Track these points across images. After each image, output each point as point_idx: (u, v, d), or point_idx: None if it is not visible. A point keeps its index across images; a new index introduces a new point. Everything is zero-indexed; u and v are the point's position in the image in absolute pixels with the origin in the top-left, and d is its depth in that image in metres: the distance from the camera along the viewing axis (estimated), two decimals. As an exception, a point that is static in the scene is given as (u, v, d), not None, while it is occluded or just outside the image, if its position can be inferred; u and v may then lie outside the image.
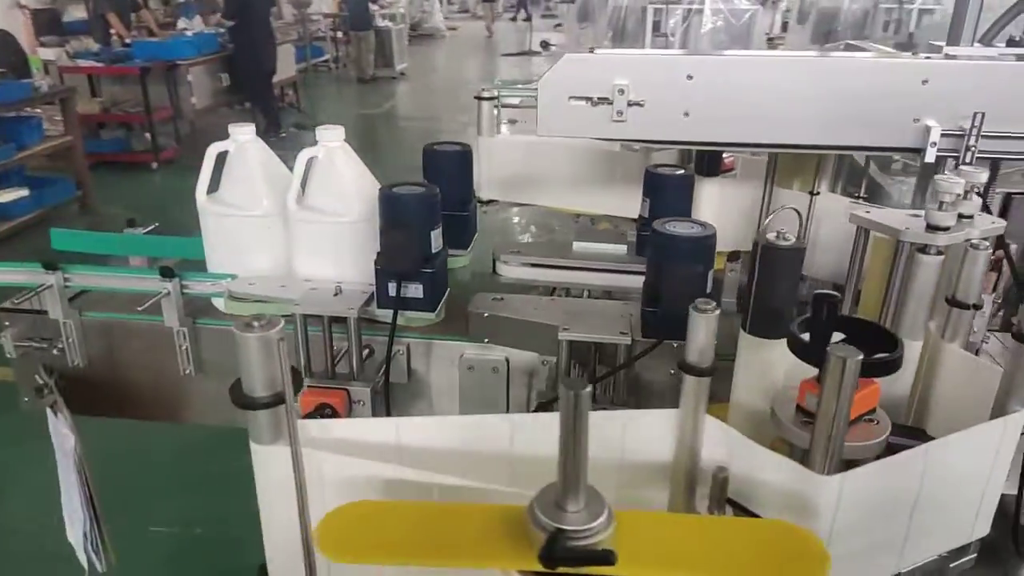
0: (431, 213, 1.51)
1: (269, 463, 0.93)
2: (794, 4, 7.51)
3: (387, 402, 1.57)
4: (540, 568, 0.69)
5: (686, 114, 1.53)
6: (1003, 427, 1.00)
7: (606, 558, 0.64)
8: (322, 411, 1.48)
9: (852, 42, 4.82)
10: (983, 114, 1.42)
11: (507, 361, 1.67)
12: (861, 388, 1.00)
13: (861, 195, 2.03)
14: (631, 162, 2.37)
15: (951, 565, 1.10)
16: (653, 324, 1.43)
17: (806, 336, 1.00)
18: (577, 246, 1.90)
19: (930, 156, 1.47)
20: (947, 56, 1.59)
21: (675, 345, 1.46)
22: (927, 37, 4.67)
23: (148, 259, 1.99)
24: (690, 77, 1.51)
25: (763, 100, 1.51)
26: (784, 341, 1.18)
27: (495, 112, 2.54)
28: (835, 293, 0.98)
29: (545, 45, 14.19)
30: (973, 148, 1.44)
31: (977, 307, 1.13)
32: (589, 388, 0.68)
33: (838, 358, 0.82)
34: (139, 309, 1.63)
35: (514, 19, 22.30)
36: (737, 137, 1.56)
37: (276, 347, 0.87)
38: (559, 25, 20.50)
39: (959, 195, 1.10)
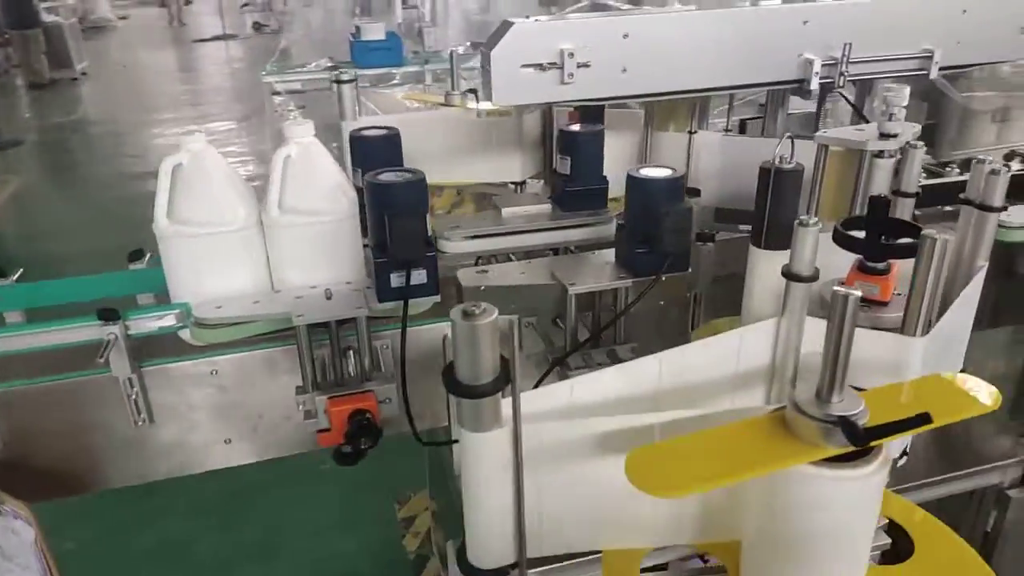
0: (425, 196, 1.49)
1: (485, 447, 0.93)
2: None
3: (405, 396, 1.54)
4: (838, 452, 0.81)
5: (624, 70, 1.67)
6: (978, 281, 1.30)
7: (925, 419, 0.78)
8: (361, 417, 1.42)
9: (600, 1, 5.23)
10: (850, 44, 1.74)
11: (490, 331, 1.71)
12: (892, 270, 1.25)
13: (727, 129, 2.34)
14: (502, 128, 2.47)
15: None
16: (646, 264, 1.57)
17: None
18: (506, 212, 1.97)
19: (814, 84, 1.77)
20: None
21: (663, 279, 1.62)
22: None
23: (23, 312, 1.69)
24: (626, 36, 1.65)
25: (685, 51, 1.70)
26: (787, 252, 1.40)
27: (355, 95, 2.46)
28: (887, 196, 1.20)
29: (258, 26, 13.41)
30: (845, 73, 1.77)
31: (918, 195, 1.43)
32: (858, 292, 0.80)
33: (933, 238, 1.03)
34: (100, 360, 1.41)
35: (189, 2, 20.63)
36: (666, 87, 1.74)
37: (496, 334, 0.88)
38: (246, 5, 19.39)
39: (904, 107, 1.38)
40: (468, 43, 4.87)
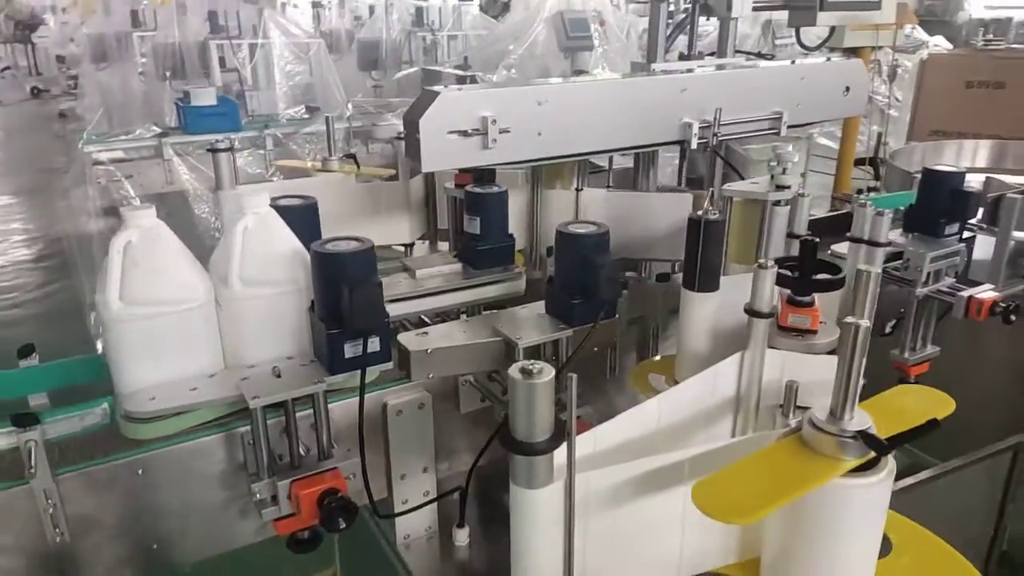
0: (376, 263, 1.48)
1: (539, 504, 0.95)
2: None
3: (364, 468, 1.49)
4: (867, 459, 0.93)
5: (539, 134, 1.78)
6: (872, 304, 1.52)
7: (933, 424, 0.92)
8: (333, 498, 1.36)
9: (429, 67, 5.42)
10: (720, 109, 1.98)
11: (429, 394, 1.72)
12: (816, 307, 1.43)
13: (608, 185, 2.52)
14: (390, 191, 2.49)
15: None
16: (584, 313, 1.66)
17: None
18: (420, 273, 1.98)
19: (694, 144, 1.99)
20: (657, 71, 2.13)
21: (595, 326, 1.71)
22: (475, 59, 5.58)
23: None
24: (540, 103, 1.76)
25: (589, 116, 1.85)
26: (715, 294, 1.55)
27: (233, 164, 2.36)
28: (815, 240, 1.38)
29: (37, 91, 12.22)
30: (717, 134, 2.00)
31: (809, 236, 1.65)
32: (868, 322, 0.94)
33: (868, 272, 1.20)
34: (30, 471, 1.23)
35: None
36: (574, 148, 1.88)
37: (553, 392, 0.91)
38: (7, 68, 17.57)
39: (795, 162, 1.60)
40: (302, 107, 4.79)
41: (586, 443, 1.06)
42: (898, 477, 2.17)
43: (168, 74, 5.61)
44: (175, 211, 3.98)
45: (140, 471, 1.46)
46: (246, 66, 5.42)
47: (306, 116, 4.57)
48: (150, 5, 7.86)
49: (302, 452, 1.48)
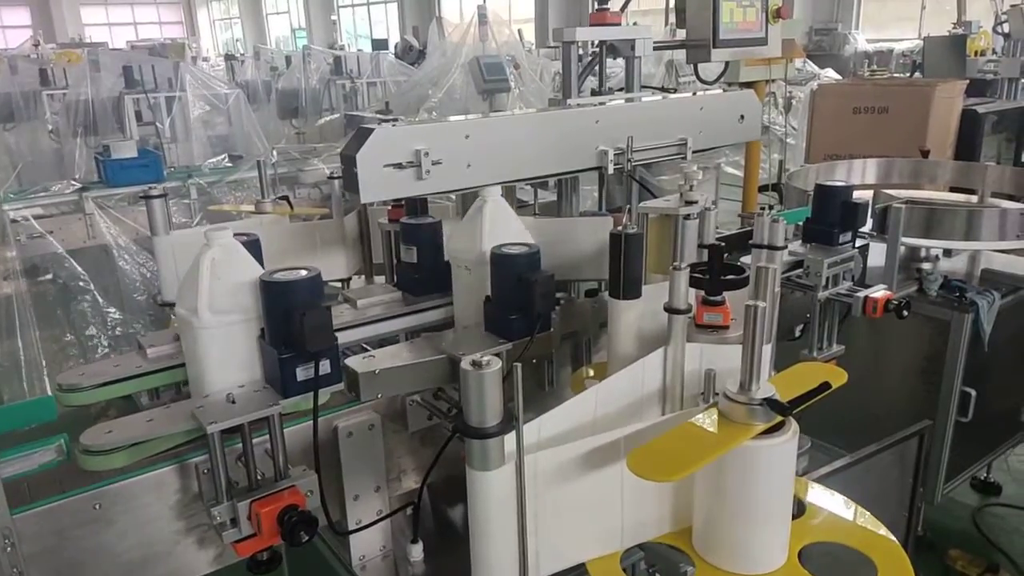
0: (323, 290, 1.56)
1: (493, 484, 1.05)
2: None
3: (320, 485, 1.56)
4: (778, 420, 1.07)
5: (468, 165, 1.91)
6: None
7: (826, 387, 1.06)
8: (290, 514, 1.41)
9: (352, 113, 5.52)
10: (632, 136, 2.16)
11: (378, 415, 1.79)
12: (726, 305, 1.59)
13: (535, 213, 2.66)
14: (326, 229, 2.57)
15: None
16: (520, 328, 1.78)
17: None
18: (362, 303, 2.07)
19: (611, 169, 2.16)
20: (579, 105, 2.30)
21: (532, 339, 1.83)
22: (396, 104, 5.73)
23: None
24: (467, 136, 1.90)
25: (513, 147, 1.99)
26: (639, 301, 1.70)
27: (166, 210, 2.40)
28: (722, 244, 1.54)
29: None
30: (631, 159, 2.18)
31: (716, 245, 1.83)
32: (766, 304, 1.09)
33: (766, 268, 1.37)
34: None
35: None
36: (501, 177, 2.01)
37: (501, 382, 1.02)
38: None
39: (699, 179, 1.78)
40: (225, 155, 4.81)
41: (531, 431, 1.17)
42: (815, 467, 2.37)
43: (80, 130, 5.54)
44: (99, 264, 3.93)
45: (97, 505, 1.48)
46: (163, 119, 5.41)
47: (229, 164, 4.60)
48: (59, 64, 7.76)
49: (259, 476, 1.53)
